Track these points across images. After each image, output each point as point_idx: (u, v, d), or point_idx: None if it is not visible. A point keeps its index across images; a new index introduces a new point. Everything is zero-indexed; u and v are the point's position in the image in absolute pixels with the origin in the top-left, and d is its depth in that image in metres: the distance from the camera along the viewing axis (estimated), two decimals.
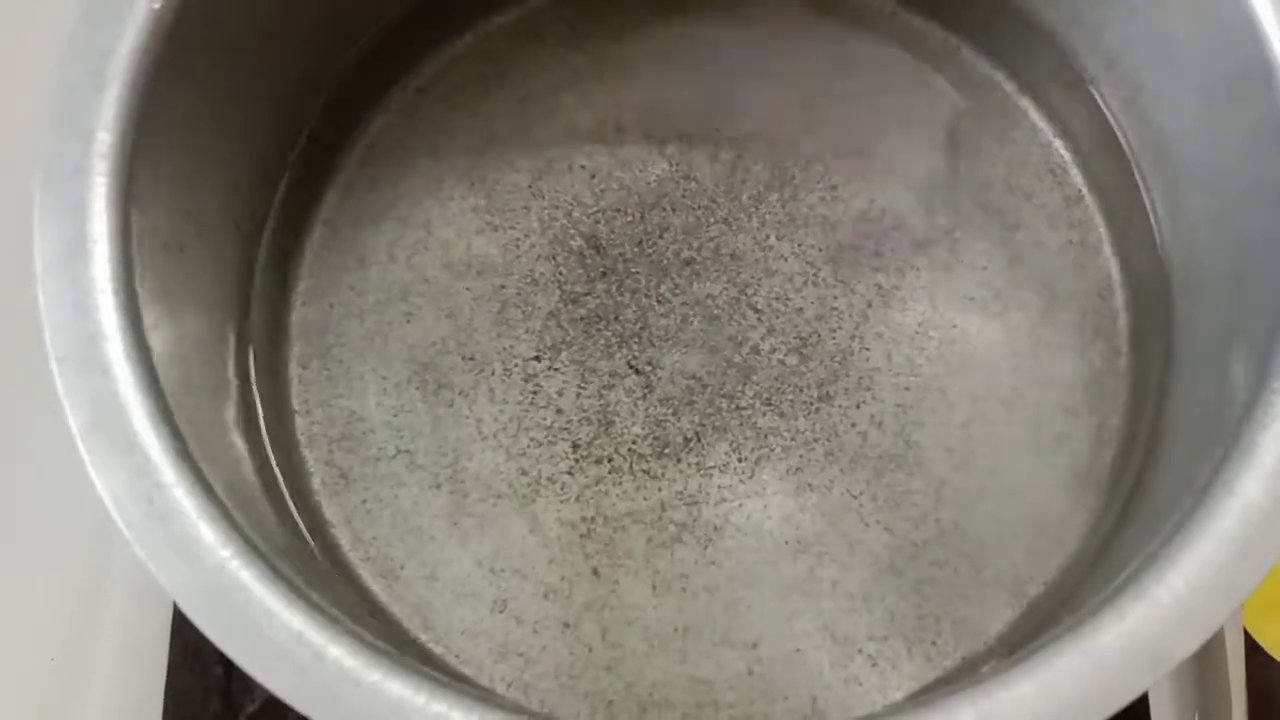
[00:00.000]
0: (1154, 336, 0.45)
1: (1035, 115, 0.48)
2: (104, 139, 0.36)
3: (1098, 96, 0.47)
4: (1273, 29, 0.38)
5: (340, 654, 0.33)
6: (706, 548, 0.44)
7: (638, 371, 0.46)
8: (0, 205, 0.41)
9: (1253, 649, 0.50)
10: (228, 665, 0.43)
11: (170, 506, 0.34)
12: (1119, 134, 0.46)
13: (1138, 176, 0.46)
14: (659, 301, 0.46)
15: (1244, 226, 0.41)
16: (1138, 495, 0.43)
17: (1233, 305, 0.41)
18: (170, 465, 0.34)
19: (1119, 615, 0.33)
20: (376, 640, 0.33)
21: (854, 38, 0.49)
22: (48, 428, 0.35)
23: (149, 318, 0.36)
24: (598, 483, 0.44)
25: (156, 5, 0.37)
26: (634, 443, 0.45)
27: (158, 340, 0.36)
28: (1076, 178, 0.48)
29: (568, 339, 0.46)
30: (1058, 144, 0.48)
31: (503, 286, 0.47)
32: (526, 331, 0.46)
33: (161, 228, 0.39)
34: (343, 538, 0.44)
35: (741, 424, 0.45)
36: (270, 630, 0.33)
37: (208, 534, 0.34)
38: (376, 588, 0.44)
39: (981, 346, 0.46)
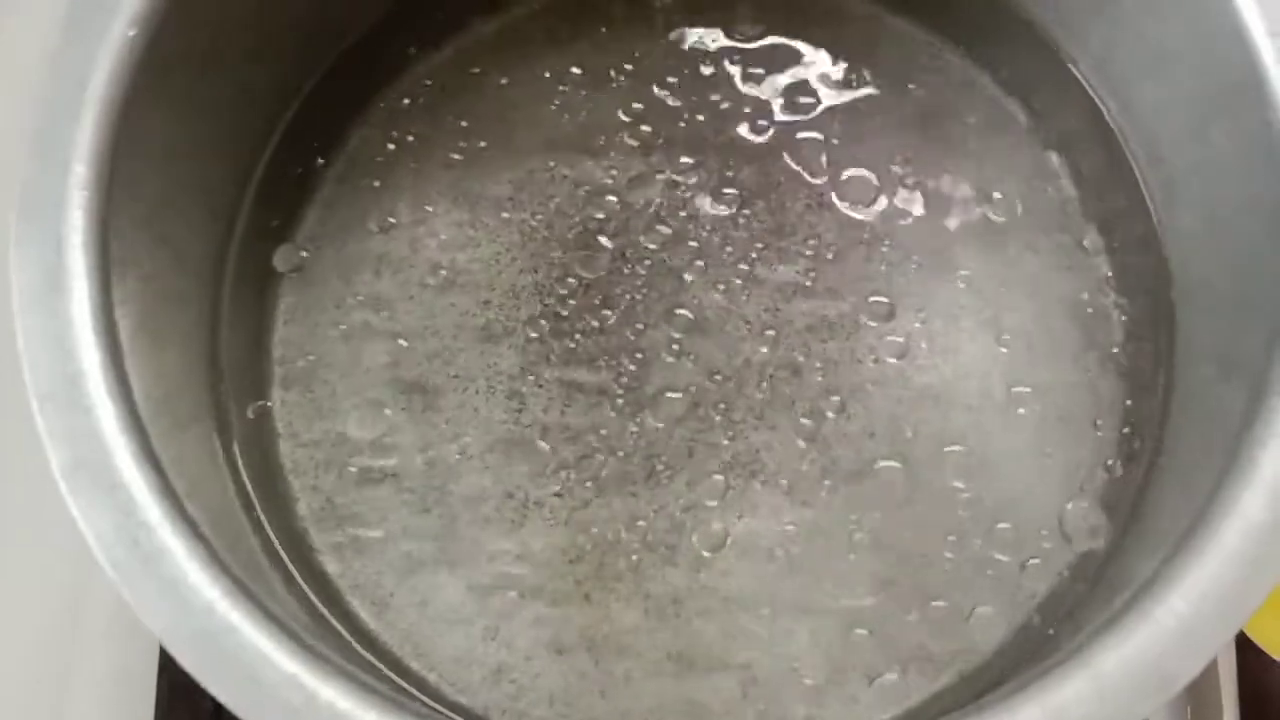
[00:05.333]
0: (1152, 344, 0.45)
1: (1024, 119, 0.48)
2: (80, 170, 0.36)
3: (1095, 100, 0.47)
4: (1263, 41, 0.38)
5: (334, 696, 0.32)
6: (699, 570, 0.43)
7: (625, 388, 0.45)
8: None
9: (1244, 644, 0.50)
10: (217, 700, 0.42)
11: (157, 547, 0.33)
12: (1120, 138, 0.46)
13: (1140, 181, 0.46)
14: (645, 314, 0.46)
15: (1239, 237, 0.41)
16: (1139, 506, 0.42)
17: (1231, 316, 0.41)
18: (155, 504, 0.34)
19: (1122, 637, 0.33)
20: (370, 679, 0.33)
21: (839, 40, 0.49)
22: (24, 462, 0.35)
23: (129, 351, 0.36)
24: (586, 505, 0.44)
25: (133, 32, 0.37)
26: (622, 462, 0.44)
27: (138, 374, 0.36)
28: (1066, 182, 0.47)
29: (552, 355, 0.46)
30: (1048, 148, 0.48)
31: (487, 302, 0.46)
32: (510, 348, 0.46)
33: (140, 257, 0.38)
34: (330, 565, 0.43)
35: (733, 440, 0.44)
36: (262, 672, 0.33)
37: (196, 575, 0.33)
38: (366, 615, 0.43)
39: (975, 355, 0.45)
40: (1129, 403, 0.44)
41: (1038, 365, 0.45)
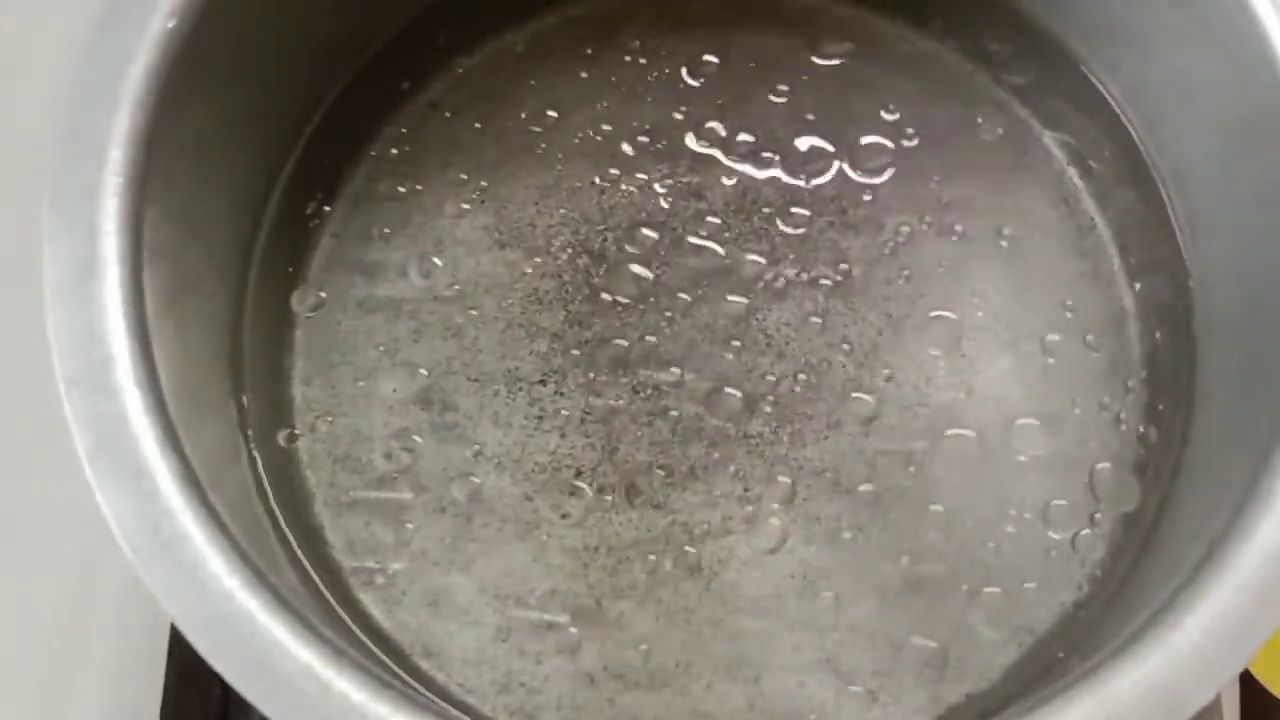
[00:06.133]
0: (1172, 372, 0.45)
1: (1050, 142, 0.48)
2: (116, 157, 0.36)
3: (1125, 124, 0.47)
4: None
5: (347, 687, 0.32)
6: (710, 580, 0.43)
7: (643, 397, 0.45)
8: (10, 222, 0.40)
9: (1246, 679, 0.50)
10: (225, 685, 0.42)
11: (178, 533, 0.33)
12: (1148, 162, 0.46)
13: (1167, 206, 0.46)
14: (666, 324, 0.46)
15: (1260, 266, 0.41)
16: (1154, 534, 0.42)
17: (1251, 345, 0.41)
18: (178, 491, 0.34)
19: (1135, 662, 0.33)
20: (383, 673, 0.33)
21: (866, 60, 0.49)
22: (41, 446, 0.35)
23: (157, 339, 0.36)
24: (601, 511, 0.44)
25: (172, 23, 0.37)
26: (638, 471, 0.44)
27: (165, 361, 0.36)
28: (1090, 207, 0.47)
29: (572, 361, 0.46)
30: (1071, 172, 0.48)
31: (509, 306, 0.46)
32: (531, 353, 0.46)
33: (170, 246, 0.38)
34: (344, 561, 0.44)
35: (748, 453, 0.45)
36: (278, 662, 0.33)
37: (215, 562, 0.33)
38: (378, 613, 0.43)
39: (992, 377, 0.45)
40: (1146, 427, 0.45)
41: (1053, 387, 0.45)
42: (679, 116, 0.48)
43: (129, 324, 0.35)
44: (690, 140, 0.48)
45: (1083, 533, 0.44)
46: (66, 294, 0.35)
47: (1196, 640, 0.33)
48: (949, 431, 0.45)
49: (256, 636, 0.33)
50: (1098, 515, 0.44)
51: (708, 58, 0.49)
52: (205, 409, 0.40)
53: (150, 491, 0.34)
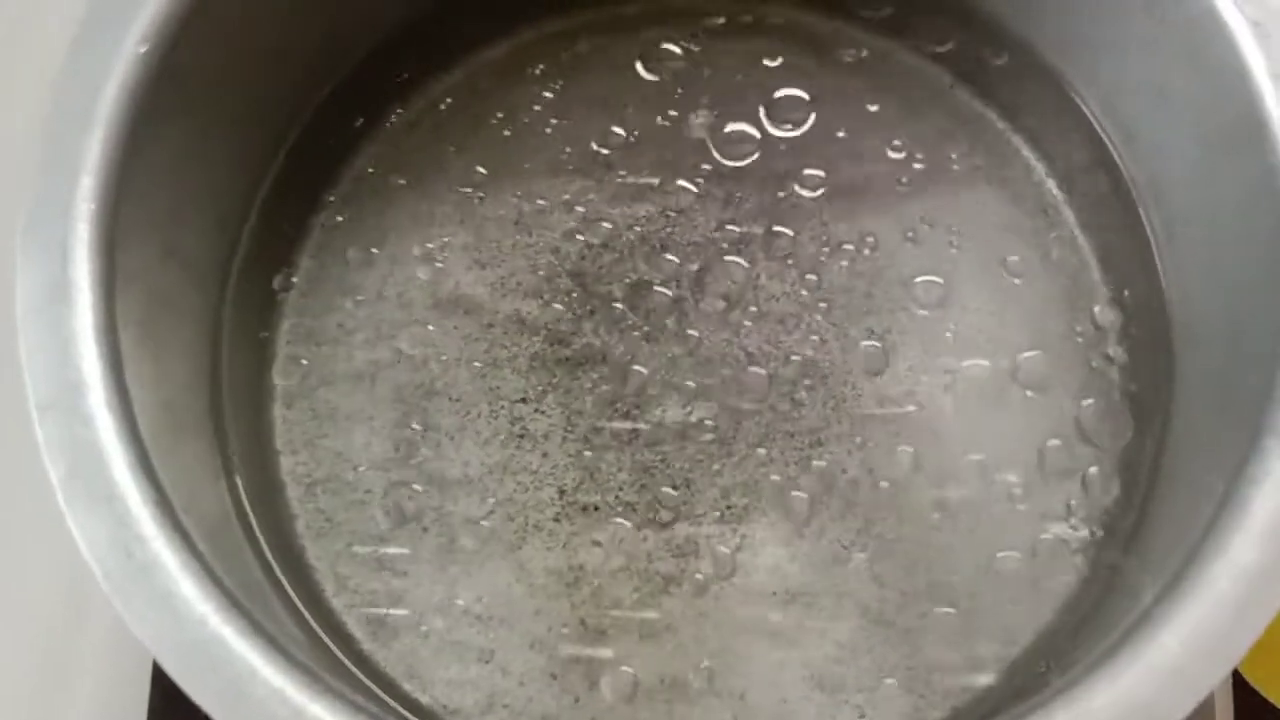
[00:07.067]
0: (1152, 384, 0.45)
1: (1028, 154, 0.48)
2: (88, 182, 0.36)
3: (1100, 135, 0.47)
4: (1265, 83, 0.38)
5: (321, 713, 0.32)
6: (694, 598, 0.43)
7: (625, 415, 0.45)
8: None
9: (1239, 684, 0.50)
10: None
11: (150, 559, 0.33)
12: (1125, 174, 0.46)
13: (1143, 218, 0.46)
14: (647, 342, 0.46)
15: (1236, 277, 0.41)
16: (1133, 546, 0.42)
17: (1228, 356, 0.40)
18: (150, 517, 0.34)
19: (1111, 677, 0.33)
20: (360, 698, 0.33)
21: (845, 74, 0.49)
22: (20, 471, 0.35)
23: (131, 363, 0.36)
24: (584, 530, 0.44)
25: (145, 47, 0.37)
26: (621, 489, 0.44)
27: (139, 386, 0.36)
28: (1069, 218, 0.47)
29: (554, 381, 0.46)
30: (1051, 183, 0.48)
31: (490, 326, 0.46)
32: (513, 372, 0.46)
33: (145, 269, 0.38)
34: (326, 583, 0.44)
35: (731, 470, 0.44)
36: (250, 687, 0.33)
37: (188, 588, 0.33)
38: (360, 634, 0.43)
39: (975, 390, 0.45)
40: (1127, 439, 0.44)
41: (1036, 401, 0.45)
42: (658, 134, 0.48)
43: (101, 348, 0.35)
44: (669, 157, 0.48)
45: (1069, 541, 0.44)
46: (39, 318, 0.35)
47: (1172, 655, 0.33)
48: (931, 447, 0.45)
49: (230, 662, 0.33)
50: (1080, 522, 0.44)
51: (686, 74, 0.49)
52: (182, 432, 0.40)
53: (123, 516, 0.34)
